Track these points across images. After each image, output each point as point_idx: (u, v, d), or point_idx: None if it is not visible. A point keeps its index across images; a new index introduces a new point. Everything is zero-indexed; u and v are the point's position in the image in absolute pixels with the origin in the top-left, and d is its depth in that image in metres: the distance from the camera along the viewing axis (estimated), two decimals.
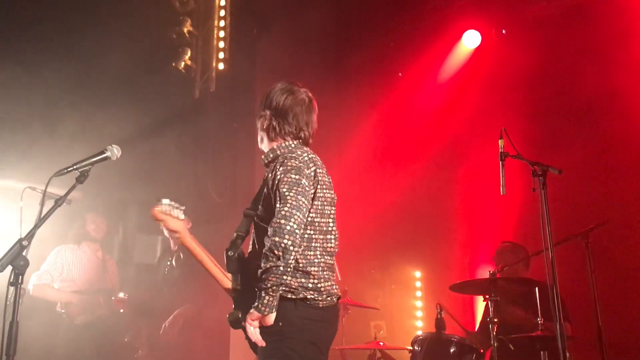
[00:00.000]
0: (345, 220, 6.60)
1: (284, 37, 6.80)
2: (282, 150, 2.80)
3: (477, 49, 6.41)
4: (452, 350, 3.85)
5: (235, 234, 2.84)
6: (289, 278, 2.54)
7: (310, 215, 2.65)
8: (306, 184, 2.62)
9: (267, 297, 2.50)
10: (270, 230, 2.50)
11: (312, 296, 2.63)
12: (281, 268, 2.46)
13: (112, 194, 6.36)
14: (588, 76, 5.38)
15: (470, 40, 6.41)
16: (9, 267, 2.46)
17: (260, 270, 2.51)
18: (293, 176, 2.60)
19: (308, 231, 2.65)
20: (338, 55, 7.59)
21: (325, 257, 2.71)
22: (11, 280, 2.46)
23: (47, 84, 5.83)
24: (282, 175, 2.61)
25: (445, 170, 6.48)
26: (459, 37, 6.48)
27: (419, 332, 6.46)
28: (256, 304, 2.52)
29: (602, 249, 4.27)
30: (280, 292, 2.55)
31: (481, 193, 5.92)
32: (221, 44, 6.87)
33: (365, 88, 7.19)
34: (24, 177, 4.78)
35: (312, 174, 2.69)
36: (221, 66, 6.83)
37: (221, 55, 6.85)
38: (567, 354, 3.20)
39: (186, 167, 6.71)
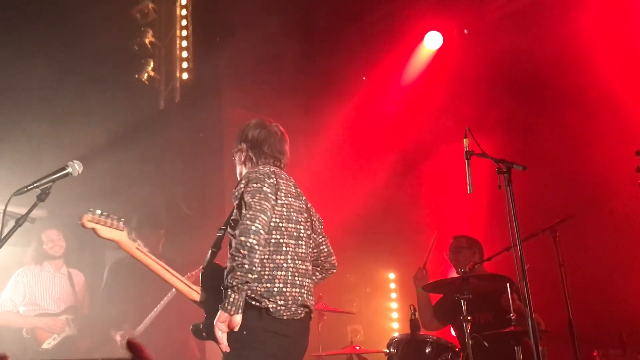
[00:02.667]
0: None
1: (248, 44, 6.77)
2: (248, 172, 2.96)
3: (440, 50, 6.48)
4: (427, 351, 3.86)
5: (210, 251, 2.95)
6: (255, 284, 2.63)
7: (275, 220, 2.78)
8: (268, 190, 2.76)
9: (232, 295, 2.54)
10: (237, 232, 2.64)
11: (276, 306, 2.66)
12: (246, 266, 2.54)
13: (79, 209, 6.22)
14: (551, 73, 5.48)
15: (432, 41, 6.47)
16: None
17: (226, 271, 2.60)
18: (254, 185, 2.76)
19: (275, 235, 2.77)
20: (303, 60, 7.59)
21: (297, 262, 2.78)
22: None
23: (7, 99, 5.69)
24: (244, 187, 2.77)
25: (414, 170, 6.53)
26: (421, 38, 6.54)
27: (395, 334, 6.51)
28: (223, 304, 2.56)
29: (570, 242, 4.34)
30: (246, 296, 2.61)
31: (449, 192, 5.97)
32: (184, 54, 6.82)
33: (331, 92, 7.21)
34: None
35: (274, 182, 2.84)
36: (185, 76, 6.78)
37: (185, 65, 6.80)
38: (540, 348, 3.24)
39: (154, 179, 6.62)
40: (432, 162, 6.36)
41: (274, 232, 2.77)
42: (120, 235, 2.73)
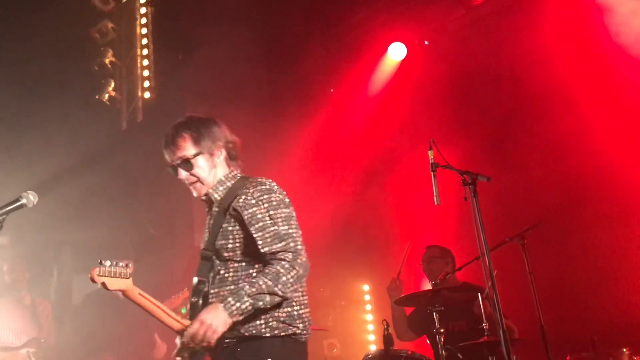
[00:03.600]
0: None
1: (210, 60, 6.72)
2: (240, 182, 2.75)
3: (404, 61, 6.51)
4: None
5: (196, 279, 2.70)
6: (276, 310, 2.54)
7: None
8: (294, 215, 2.68)
9: (249, 307, 2.43)
10: (280, 247, 2.51)
11: (298, 330, 2.60)
12: (280, 293, 2.45)
13: (42, 236, 6.08)
14: (513, 80, 5.55)
15: (396, 52, 6.50)
16: None
17: (260, 279, 2.45)
18: (281, 197, 2.66)
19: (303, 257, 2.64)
20: (268, 75, 7.56)
21: (303, 283, 2.71)
22: None
23: None
24: (273, 212, 2.59)
25: (382, 181, 6.54)
26: (385, 49, 6.56)
27: (372, 347, 6.47)
28: (231, 304, 2.42)
29: (539, 249, 4.37)
30: (264, 324, 2.53)
31: (419, 202, 5.98)
32: (146, 72, 6.74)
33: (297, 105, 7.19)
34: None
35: (289, 201, 2.72)
36: (147, 95, 6.69)
37: (146, 83, 6.71)
38: (514, 357, 3.24)
39: (119, 201, 6.50)
40: (400, 173, 6.37)
41: None
42: (126, 284, 2.53)
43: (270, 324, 2.55)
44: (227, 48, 6.73)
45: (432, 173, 3.54)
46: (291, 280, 2.47)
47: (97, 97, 6.44)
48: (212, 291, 2.67)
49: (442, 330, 3.81)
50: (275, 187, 2.70)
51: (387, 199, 6.49)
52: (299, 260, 2.51)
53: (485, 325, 3.83)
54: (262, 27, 7.24)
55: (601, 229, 4.97)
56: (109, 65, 6.60)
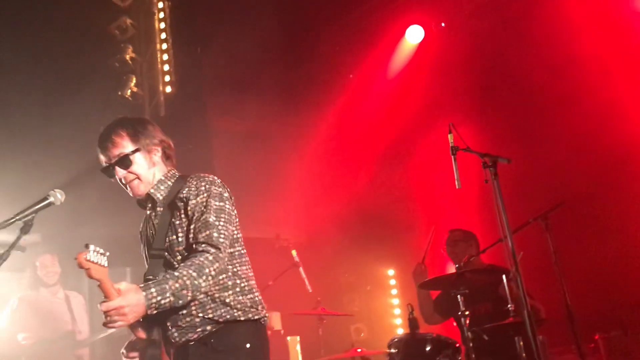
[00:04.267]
0: (311, 228, 6.65)
1: (229, 51, 6.75)
2: (180, 179, 2.71)
3: (422, 43, 6.47)
4: (428, 349, 3.85)
5: (145, 279, 2.59)
6: (240, 297, 2.56)
7: (234, 231, 2.66)
8: (229, 198, 2.66)
9: (170, 300, 2.33)
10: (204, 236, 2.48)
11: (263, 313, 2.64)
12: (210, 282, 2.42)
13: (73, 232, 6.20)
14: (532, 61, 5.47)
15: (414, 35, 6.47)
16: None
17: (185, 271, 2.37)
18: (219, 190, 2.63)
19: (237, 247, 2.66)
20: (287, 63, 7.57)
21: (251, 269, 2.73)
22: None
23: None
24: (208, 200, 2.57)
25: (403, 167, 6.53)
26: (403, 33, 6.53)
27: (399, 331, 6.52)
28: (151, 294, 2.29)
29: (565, 228, 4.34)
30: (233, 310, 2.53)
31: (439, 186, 5.97)
32: (166, 67, 6.79)
33: (316, 93, 7.20)
34: None
35: (228, 195, 2.68)
36: (169, 89, 6.75)
37: (167, 78, 6.77)
38: (540, 337, 3.23)
39: None
40: (421, 157, 6.36)
41: (236, 244, 2.66)
42: (103, 274, 2.35)
43: (242, 308, 2.57)
44: (245, 38, 6.75)
45: (452, 156, 3.53)
46: (213, 273, 2.42)
47: (119, 93, 6.51)
48: (141, 285, 2.49)
49: (467, 313, 3.81)
50: (217, 181, 2.67)
51: (409, 183, 6.49)
52: (220, 254, 2.46)
53: (511, 306, 3.82)
54: (279, 16, 7.23)
55: (628, 207, 4.91)
56: (130, 62, 6.65)
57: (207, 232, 2.50)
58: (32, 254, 5.35)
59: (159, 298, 2.30)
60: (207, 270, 2.40)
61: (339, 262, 6.75)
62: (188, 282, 2.35)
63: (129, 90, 6.56)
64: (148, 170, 2.70)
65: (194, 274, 2.37)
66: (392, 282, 7.00)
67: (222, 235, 2.51)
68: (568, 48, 5.24)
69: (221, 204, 2.59)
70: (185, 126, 6.63)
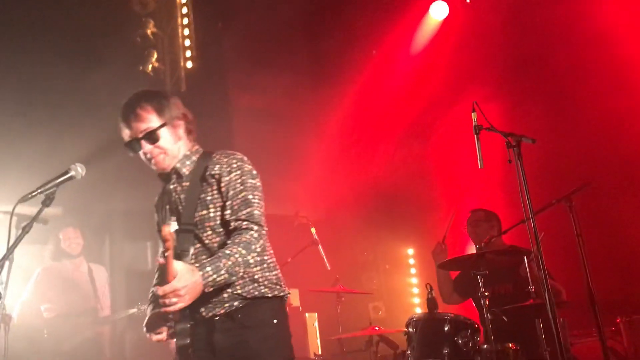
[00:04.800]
0: (330, 205, 6.63)
1: (250, 26, 6.70)
2: (206, 155, 2.72)
3: (446, 20, 6.36)
4: (446, 329, 3.82)
5: (179, 252, 2.58)
6: (267, 273, 2.62)
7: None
8: (260, 187, 2.68)
9: (225, 277, 2.41)
10: (245, 214, 2.53)
11: (287, 291, 2.71)
12: (257, 259, 2.51)
13: (93, 205, 6.27)
14: (558, 38, 5.33)
15: (438, 11, 6.36)
16: None
17: (236, 249, 2.44)
18: (251, 168, 2.67)
19: (265, 227, 2.67)
20: (309, 39, 7.50)
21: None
22: None
23: (13, 101, 5.70)
24: (244, 178, 2.62)
25: (424, 145, 6.46)
26: (427, 9, 6.42)
27: (417, 310, 6.51)
28: (208, 274, 2.36)
29: (589, 210, 4.26)
30: (260, 286, 2.58)
31: (461, 166, 5.90)
32: (187, 42, 6.77)
33: (339, 69, 7.13)
34: None
35: (256, 173, 2.71)
36: (189, 64, 6.73)
37: (188, 53, 6.75)
38: (561, 320, 3.20)
39: None
40: (443, 136, 6.29)
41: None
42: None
43: (270, 285, 2.62)
44: (266, 14, 6.69)
45: (475, 135, 3.46)
46: (258, 250, 2.50)
47: (140, 68, 6.51)
48: (196, 265, 2.54)
49: (486, 294, 3.77)
50: (245, 158, 2.70)
51: (430, 162, 6.43)
52: (263, 232, 2.55)
53: (531, 288, 3.79)
54: None
55: None
56: (151, 36, 6.63)
57: (248, 210, 2.56)
58: (54, 227, 5.43)
59: (214, 276, 2.39)
60: (253, 247, 2.48)
61: (357, 241, 6.75)
62: (240, 259, 2.44)
63: (150, 65, 6.56)
64: (174, 144, 2.70)
65: (244, 251, 2.46)
66: (411, 261, 6.99)
67: (261, 213, 2.59)
68: (601, 26, 5.09)
69: (255, 181, 2.64)
70: (206, 102, 6.62)
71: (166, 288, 2.29)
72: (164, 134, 2.66)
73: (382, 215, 6.70)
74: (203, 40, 6.84)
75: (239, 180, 2.60)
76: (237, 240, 2.48)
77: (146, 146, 2.67)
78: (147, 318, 2.69)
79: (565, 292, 4.34)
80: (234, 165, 2.62)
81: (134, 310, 5.31)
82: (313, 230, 5.13)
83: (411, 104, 6.56)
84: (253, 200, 2.58)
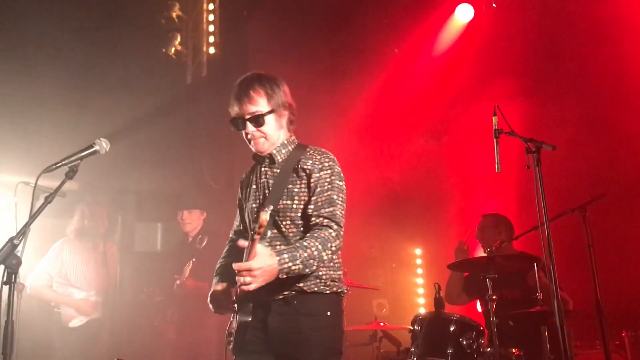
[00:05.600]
0: None
1: (274, 17, 6.72)
2: (300, 147, 2.83)
3: (471, 23, 6.34)
4: (451, 329, 3.85)
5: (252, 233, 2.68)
6: (332, 272, 2.73)
7: None
8: (345, 189, 2.80)
9: (299, 268, 2.50)
10: (329, 212, 2.64)
11: (345, 288, 2.84)
12: (331, 257, 2.61)
13: (109, 183, 6.34)
14: (583, 48, 5.31)
15: (463, 14, 6.34)
16: (2, 267, 2.45)
17: (315, 242, 2.54)
18: (341, 182, 2.77)
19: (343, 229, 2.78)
20: (331, 33, 7.49)
21: None
22: (4, 279, 2.45)
23: (38, 78, 5.77)
24: (333, 178, 2.73)
25: (441, 146, 6.46)
26: (452, 11, 6.40)
27: (421, 310, 6.53)
28: (285, 260, 2.46)
29: (600, 222, 4.25)
30: (321, 283, 2.69)
31: (477, 168, 5.90)
32: (211, 28, 6.80)
33: (359, 65, 7.12)
34: (18, 170, 4.77)
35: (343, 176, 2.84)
36: (212, 50, 6.77)
37: (211, 39, 6.78)
38: (566, 328, 3.21)
39: (182, 153, 6.68)
40: (459, 138, 6.27)
41: None
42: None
43: (329, 283, 2.73)
44: (290, 4, 6.70)
45: (494, 139, 3.47)
46: (334, 249, 2.60)
47: (163, 50, 6.55)
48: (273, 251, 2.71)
49: (494, 298, 3.79)
50: (336, 159, 2.82)
51: (445, 163, 6.42)
52: (341, 232, 2.66)
53: (539, 295, 3.80)
54: None
55: None
56: (176, 19, 6.67)
57: (331, 209, 2.66)
58: (76, 202, 5.49)
59: (290, 264, 2.49)
60: (329, 245, 2.58)
61: (366, 236, 6.76)
62: (315, 252, 2.54)
63: (173, 48, 6.60)
64: (276, 131, 2.81)
65: (320, 247, 2.56)
66: (419, 261, 6.99)
67: (342, 215, 2.69)
68: (625, 33, 5.06)
69: (342, 183, 2.76)
70: (226, 88, 6.61)
71: (242, 265, 2.40)
72: (269, 120, 2.77)
73: (392, 213, 6.71)
74: (227, 27, 6.86)
75: (327, 179, 2.71)
76: (315, 235, 2.58)
77: (250, 127, 2.76)
78: (211, 290, 2.85)
79: (572, 302, 4.34)
80: (326, 164, 2.74)
81: (142, 295, 5.40)
82: None
83: (428, 104, 6.55)
84: (337, 201, 2.68)
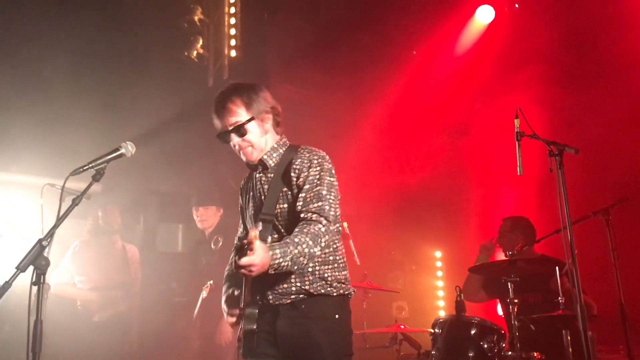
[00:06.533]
0: (362, 202, 6.67)
1: (294, 21, 6.75)
2: (292, 149, 2.83)
3: (491, 24, 6.32)
4: (472, 332, 3.84)
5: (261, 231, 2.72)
6: (336, 272, 2.74)
7: (338, 209, 2.77)
8: (337, 186, 2.79)
9: (288, 264, 2.48)
10: (316, 207, 2.63)
11: (351, 289, 2.82)
12: (318, 253, 2.57)
13: (131, 185, 6.41)
14: (604, 49, 5.26)
15: (484, 15, 6.32)
16: (31, 267, 2.50)
17: (304, 240, 2.52)
18: (330, 166, 2.77)
19: (337, 224, 2.76)
20: (351, 35, 7.50)
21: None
22: (33, 280, 2.50)
23: (63, 79, 5.86)
24: (322, 164, 2.74)
25: (461, 148, 6.43)
26: (472, 12, 6.39)
27: (441, 313, 6.51)
28: (276, 256, 2.44)
29: (624, 225, 4.21)
30: (326, 284, 2.69)
31: (499, 171, 5.86)
32: (232, 31, 6.84)
33: (379, 67, 7.13)
34: (43, 172, 4.86)
35: (334, 173, 2.82)
36: (233, 53, 6.81)
37: (233, 42, 6.83)
38: (590, 333, 3.18)
39: (203, 155, 6.72)
40: (481, 140, 6.24)
41: (337, 221, 2.77)
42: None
43: (335, 285, 2.74)
44: (310, 8, 6.73)
45: (516, 142, 3.45)
46: (323, 244, 2.58)
47: (185, 53, 6.61)
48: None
49: (515, 301, 3.78)
50: (327, 156, 2.81)
51: (465, 165, 6.40)
52: (331, 228, 2.62)
53: (561, 298, 3.78)
54: None
55: None
56: (198, 23, 6.73)
57: (320, 204, 2.64)
58: (94, 204, 5.58)
59: (279, 260, 2.46)
60: (319, 240, 2.56)
61: (386, 239, 6.76)
62: (306, 249, 2.52)
63: (195, 52, 6.65)
64: (261, 137, 2.81)
65: (311, 243, 2.54)
66: (438, 264, 6.97)
67: (332, 209, 2.66)
68: None
69: (332, 179, 2.75)
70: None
71: (243, 261, 2.37)
72: (252, 128, 2.78)
73: (412, 216, 6.71)
74: (248, 30, 6.91)
75: (317, 176, 2.71)
76: (305, 230, 2.56)
77: (235, 139, 2.79)
78: (224, 296, 2.88)
79: (596, 307, 4.30)
80: (315, 162, 2.74)
81: (164, 287, 5.46)
82: (345, 224, 5.16)
83: (448, 106, 6.54)
84: (327, 197, 2.67)
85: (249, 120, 2.76)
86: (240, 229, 3.10)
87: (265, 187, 2.82)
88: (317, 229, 2.56)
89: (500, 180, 5.89)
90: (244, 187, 3.02)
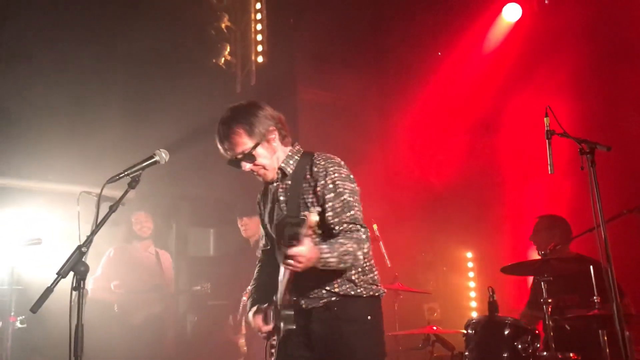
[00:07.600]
0: (392, 203, 6.66)
1: (320, 24, 6.79)
2: (307, 155, 2.83)
3: (518, 22, 6.26)
4: (506, 333, 3.81)
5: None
6: (363, 275, 2.77)
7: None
8: (358, 191, 2.81)
9: (334, 262, 2.53)
10: (349, 217, 2.67)
11: (382, 290, 2.85)
12: (361, 257, 2.61)
13: (164, 191, 6.53)
14: (637, 46, 5.16)
15: (511, 13, 6.26)
16: (71, 273, 2.58)
17: (351, 245, 2.57)
18: (348, 171, 2.78)
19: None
20: (377, 38, 7.52)
21: None
22: (74, 285, 2.58)
23: (95, 90, 6.01)
24: (339, 171, 2.75)
25: (492, 146, 6.37)
26: (499, 11, 6.34)
27: (474, 314, 6.46)
28: (325, 252, 2.49)
29: None
30: (357, 287, 2.73)
31: (530, 170, 5.80)
32: (259, 37, 6.93)
33: (405, 69, 7.12)
34: (78, 180, 4.98)
35: (353, 177, 2.84)
36: (260, 59, 6.89)
37: (260, 48, 6.91)
38: (627, 333, 3.14)
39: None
40: (512, 139, 6.17)
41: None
42: None
43: (365, 286, 2.77)
44: (336, 11, 6.76)
45: (547, 141, 3.42)
46: (365, 250, 2.63)
47: (214, 60, 6.72)
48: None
49: (549, 301, 3.73)
50: (342, 162, 2.81)
51: (495, 164, 6.34)
52: (368, 233, 2.68)
53: (597, 298, 3.72)
54: None
55: None
56: (225, 30, 6.83)
57: (351, 213, 2.68)
58: (127, 210, 5.70)
59: (327, 256, 2.51)
60: (362, 245, 2.61)
61: (416, 240, 6.73)
62: (351, 249, 2.56)
63: (223, 59, 6.75)
64: (271, 158, 2.82)
65: (355, 245, 2.59)
66: (470, 264, 6.91)
67: (361, 216, 2.71)
68: None
69: (353, 185, 2.78)
70: (274, 96, 6.75)
71: (292, 250, 2.40)
72: (260, 152, 2.79)
73: (443, 216, 6.66)
74: (274, 35, 6.98)
75: (337, 184, 2.71)
76: (348, 235, 2.62)
77: (246, 165, 2.81)
78: (251, 311, 2.94)
79: (634, 306, 4.22)
80: (331, 169, 2.74)
81: (198, 287, 5.56)
82: (375, 226, 5.17)
83: (478, 105, 6.48)
84: (354, 204, 2.70)
85: (255, 147, 2.77)
86: (263, 242, 3.13)
87: (285, 195, 2.84)
88: (359, 235, 2.63)
89: (531, 177, 5.82)
90: (261, 200, 3.05)
